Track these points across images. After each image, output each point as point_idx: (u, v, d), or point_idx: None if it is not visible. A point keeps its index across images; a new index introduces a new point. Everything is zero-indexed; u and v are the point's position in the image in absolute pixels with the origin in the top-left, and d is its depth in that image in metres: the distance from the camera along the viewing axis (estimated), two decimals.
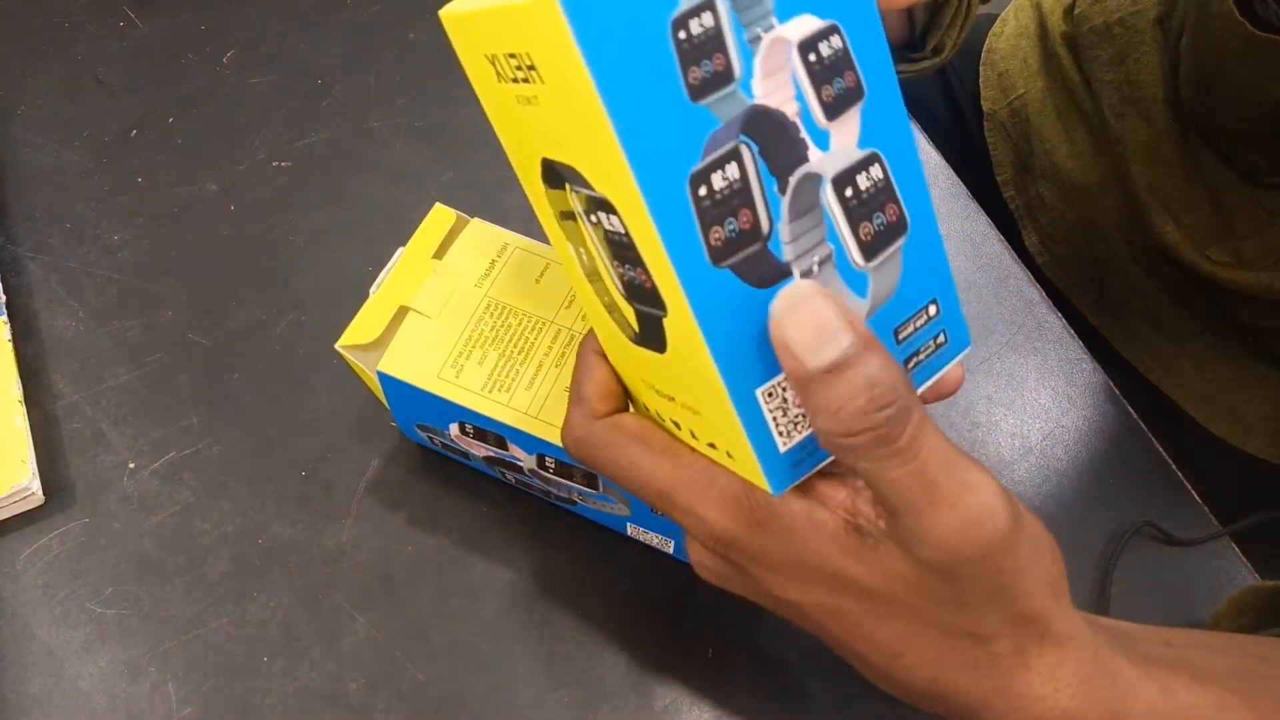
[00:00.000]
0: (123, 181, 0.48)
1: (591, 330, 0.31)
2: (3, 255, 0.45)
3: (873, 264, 0.26)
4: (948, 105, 0.70)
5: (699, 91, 0.23)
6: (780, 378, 0.25)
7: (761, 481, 0.26)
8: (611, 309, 0.29)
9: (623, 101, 0.23)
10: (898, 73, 0.52)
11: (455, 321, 0.36)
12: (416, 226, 0.37)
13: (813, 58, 0.24)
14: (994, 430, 0.45)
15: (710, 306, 0.24)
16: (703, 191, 0.24)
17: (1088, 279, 0.64)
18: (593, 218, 0.26)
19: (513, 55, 0.25)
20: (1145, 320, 0.62)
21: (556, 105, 0.25)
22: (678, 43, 0.23)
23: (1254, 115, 0.51)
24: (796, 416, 0.26)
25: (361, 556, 0.39)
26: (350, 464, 0.41)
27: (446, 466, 0.41)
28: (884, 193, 0.26)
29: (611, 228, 0.26)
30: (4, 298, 0.43)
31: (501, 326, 0.36)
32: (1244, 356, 0.59)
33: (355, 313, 0.36)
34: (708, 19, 0.23)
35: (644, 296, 0.26)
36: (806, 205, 0.25)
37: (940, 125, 0.69)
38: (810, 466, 0.27)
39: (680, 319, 0.25)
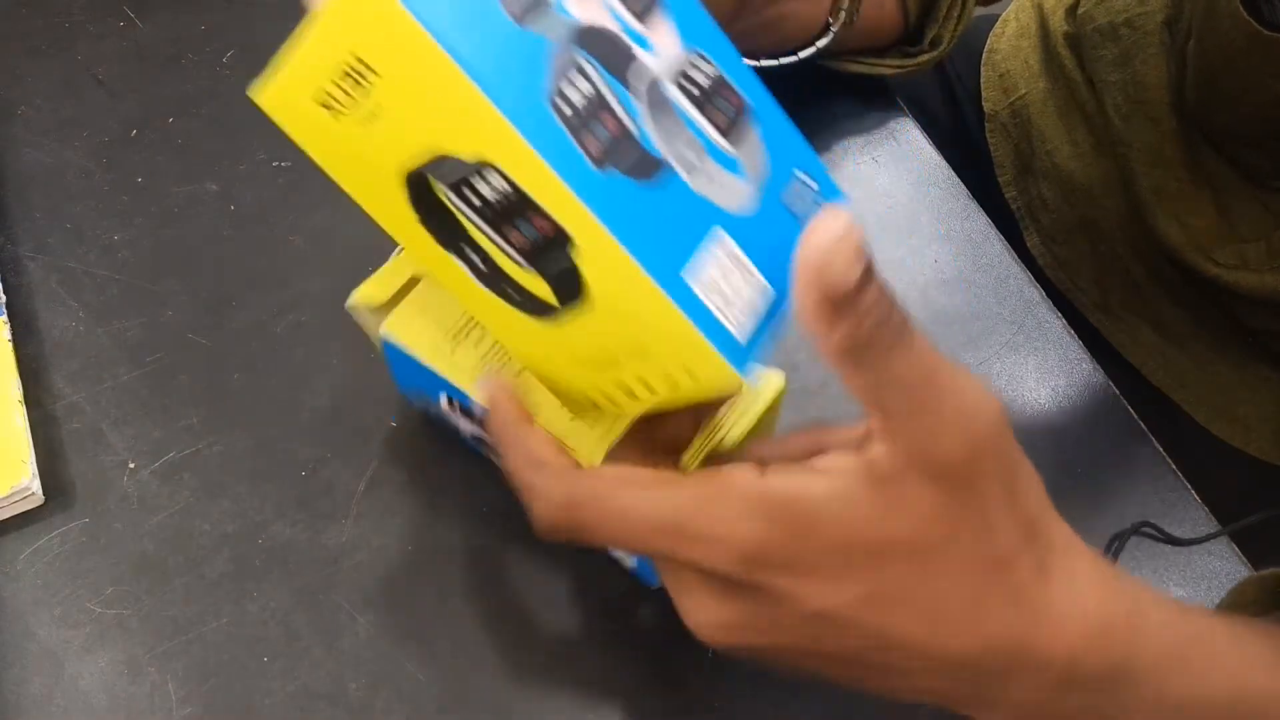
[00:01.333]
0: (123, 181, 0.48)
1: (502, 404, 0.30)
2: (3, 255, 0.45)
3: (737, 146, 0.28)
4: (948, 106, 0.70)
5: (522, 17, 0.25)
6: (698, 259, 0.26)
7: (730, 377, 0.26)
8: (523, 303, 0.29)
9: (459, 41, 0.24)
10: (896, 68, 0.52)
11: None
12: None
13: None
14: None
15: (610, 206, 0.25)
16: (565, 108, 0.25)
17: (1089, 280, 0.64)
18: (473, 199, 0.27)
19: (346, 73, 0.27)
20: (1146, 321, 0.62)
21: (401, 91, 0.26)
22: None
23: (1257, 116, 0.51)
24: (734, 299, 0.27)
25: (361, 556, 0.39)
26: (350, 464, 0.41)
27: (447, 466, 0.41)
28: (721, 82, 0.28)
29: (493, 191, 0.26)
30: (4, 298, 0.43)
31: None
32: (1245, 358, 0.59)
33: None
34: None
35: (547, 247, 0.27)
36: (659, 103, 0.27)
37: (941, 126, 0.69)
38: (765, 344, 0.28)
39: (587, 234, 0.26)
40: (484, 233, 0.28)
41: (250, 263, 0.46)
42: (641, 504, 0.26)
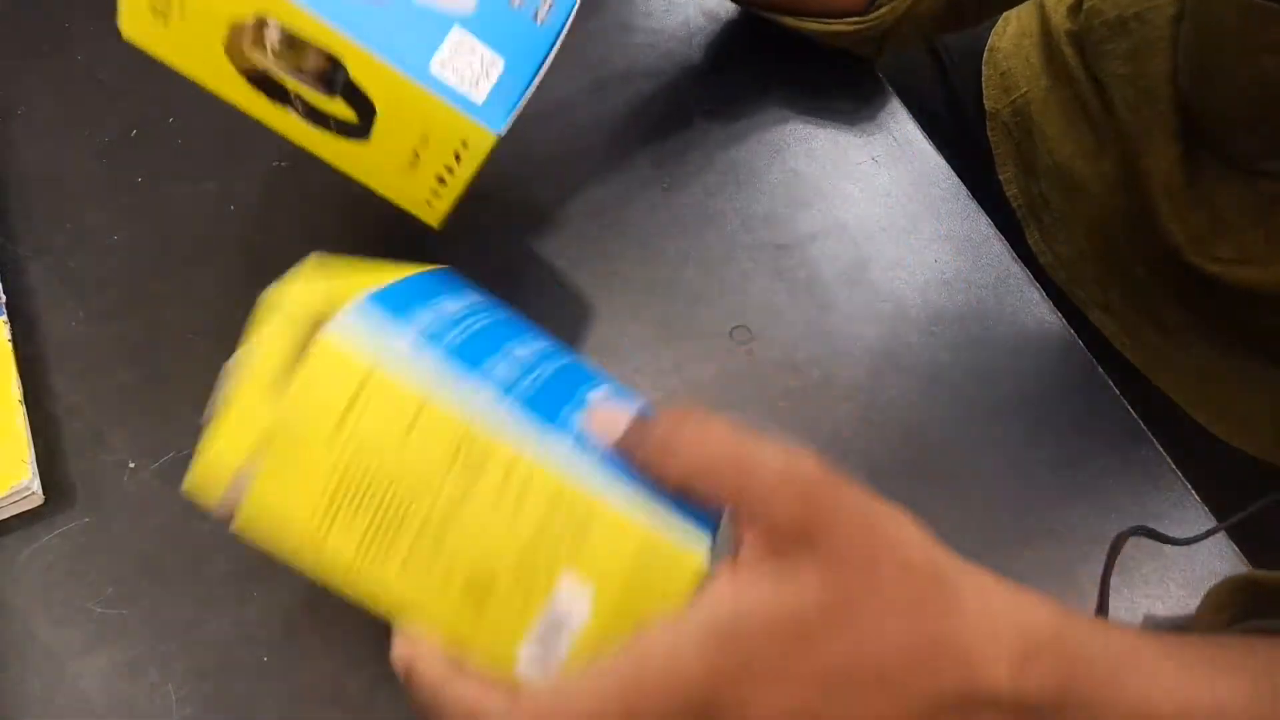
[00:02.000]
0: (123, 181, 0.48)
1: (424, 667, 0.27)
2: (3, 255, 0.45)
3: None
4: (949, 105, 0.70)
5: None
6: (441, 53, 0.34)
7: (481, 133, 0.34)
8: (339, 126, 0.36)
9: None
10: (845, 28, 0.53)
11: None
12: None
13: None
14: (992, 430, 0.45)
15: (357, 25, 0.33)
16: None
17: (1090, 278, 0.63)
18: (267, 48, 0.34)
19: None
20: (1147, 320, 0.62)
21: None
22: None
23: (1248, 95, 0.50)
24: (474, 78, 0.34)
25: None
26: None
27: None
28: None
29: (275, 40, 0.34)
30: (4, 298, 0.43)
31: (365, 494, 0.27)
32: (1246, 358, 0.59)
33: None
34: None
35: (331, 73, 0.34)
36: None
37: (942, 125, 0.68)
38: (513, 104, 0.35)
39: (350, 55, 0.33)
40: (287, 77, 0.35)
41: (250, 263, 0.46)
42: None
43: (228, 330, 0.45)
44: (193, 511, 0.40)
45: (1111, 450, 0.44)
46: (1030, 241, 0.65)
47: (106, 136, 0.49)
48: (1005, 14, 0.68)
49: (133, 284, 0.45)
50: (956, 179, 0.52)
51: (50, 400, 0.42)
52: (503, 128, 0.34)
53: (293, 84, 0.35)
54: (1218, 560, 0.42)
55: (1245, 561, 0.42)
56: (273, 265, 0.47)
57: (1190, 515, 0.43)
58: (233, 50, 0.35)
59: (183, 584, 0.39)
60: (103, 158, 0.49)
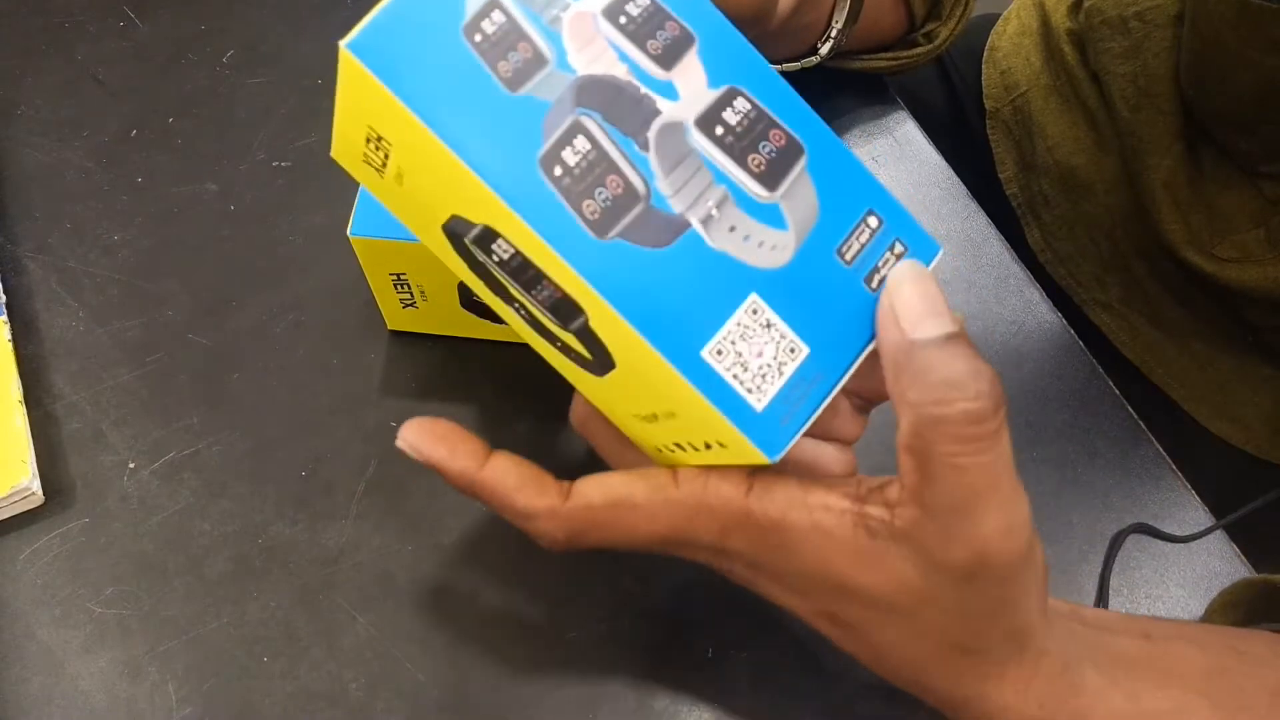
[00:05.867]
0: (123, 181, 0.48)
1: (460, 458, 0.30)
2: (3, 255, 0.46)
3: (779, 192, 0.26)
4: (950, 104, 0.70)
5: (515, 82, 0.24)
6: (724, 332, 0.25)
7: (755, 454, 0.25)
8: (566, 350, 0.29)
9: (443, 116, 0.24)
10: (891, 61, 0.52)
11: None
12: None
13: (623, 20, 0.25)
14: None
15: (614, 279, 0.24)
16: (558, 171, 0.24)
17: (1089, 276, 0.64)
18: (493, 256, 0.27)
19: (368, 139, 0.27)
20: (1146, 318, 0.62)
21: (410, 160, 0.26)
22: (476, 45, 0.24)
23: (1247, 96, 0.50)
24: (762, 369, 0.25)
25: (361, 556, 0.40)
26: (350, 464, 0.41)
27: None
28: (761, 121, 0.26)
29: (506, 254, 0.26)
30: (4, 298, 0.43)
31: None
32: (1245, 356, 0.59)
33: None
34: (498, 16, 0.24)
35: (567, 310, 0.26)
36: (678, 155, 0.25)
37: (942, 123, 0.69)
38: (802, 419, 0.25)
39: (595, 307, 0.25)
40: (515, 288, 0.28)
41: (250, 263, 0.46)
42: (639, 526, 0.28)
43: (228, 330, 0.45)
44: (193, 511, 0.40)
45: (1110, 449, 0.44)
46: (1030, 240, 0.65)
47: (106, 136, 0.49)
48: (1005, 13, 0.68)
49: (133, 284, 0.45)
50: (956, 178, 0.52)
51: (50, 400, 0.42)
52: (779, 455, 0.25)
53: (518, 293, 0.28)
54: (1217, 558, 0.42)
55: (1244, 559, 0.42)
56: (273, 266, 0.47)
57: (1189, 513, 0.43)
58: (451, 234, 0.28)
59: (183, 584, 0.39)
60: (103, 158, 0.49)
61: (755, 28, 0.38)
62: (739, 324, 0.25)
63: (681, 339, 0.24)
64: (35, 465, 0.39)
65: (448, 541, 0.40)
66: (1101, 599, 0.41)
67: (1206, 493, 0.43)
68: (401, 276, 0.39)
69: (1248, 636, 0.33)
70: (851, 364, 0.26)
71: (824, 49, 0.47)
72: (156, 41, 0.53)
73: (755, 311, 0.25)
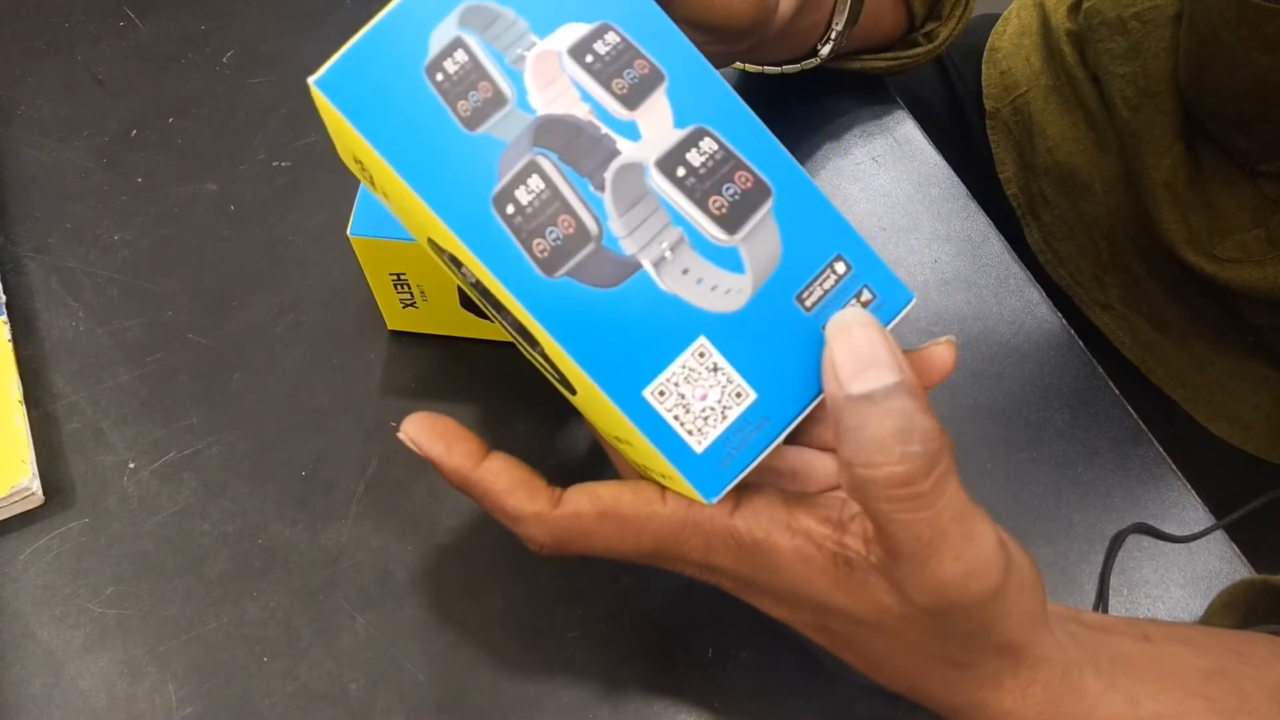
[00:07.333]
0: (123, 181, 0.48)
1: (456, 456, 0.30)
2: (3, 255, 0.46)
3: (739, 235, 0.25)
4: (949, 104, 0.70)
5: (473, 121, 0.24)
6: (667, 374, 0.25)
7: (692, 492, 0.26)
8: (542, 367, 0.29)
9: (403, 153, 0.24)
10: (891, 61, 0.52)
11: None
12: None
13: (589, 59, 0.25)
14: (992, 430, 0.45)
15: (561, 317, 0.25)
16: (510, 209, 0.24)
17: (1089, 276, 0.64)
18: (466, 279, 0.27)
19: (354, 160, 0.28)
20: (1146, 318, 0.62)
21: (385, 187, 0.27)
22: (437, 84, 0.24)
23: (1244, 95, 0.51)
24: (705, 412, 0.25)
25: (361, 556, 0.40)
26: (350, 464, 0.41)
27: None
28: (727, 162, 0.26)
29: (469, 278, 0.27)
30: (4, 298, 0.43)
31: None
32: (1245, 356, 0.59)
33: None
34: (460, 56, 0.24)
35: (528, 337, 0.27)
36: (634, 196, 0.25)
37: (942, 124, 0.69)
38: (743, 464, 0.26)
39: (544, 340, 0.25)
40: (487, 308, 0.29)
41: (250, 263, 0.46)
42: (625, 539, 0.29)
43: (228, 330, 0.45)
44: (193, 511, 0.40)
45: (1111, 449, 0.44)
46: (1030, 240, 0.65)
47: (106, 136, 0.49)
48: (1005, 14, 0.68)
49: (133, 284, 0.45)
50: (956, 179, 0.52)
51: (50, 400, 0.42)
52: (716, 497, 0.26)
53: (492, 312, 0.29)
54: (1217, 558, 0.42)
55: (1244, 559, 0.42)
56: (273, 266, 0.47)
57: (1189, 513, 0.43)
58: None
59: (183, 584, 0.39)
60: (103, 158, 0.49)
61: (755, 35, 0.38)
62: (684, 366, 0.25)
63: (624, 378, 0.25)
64: (35, 465, 0.39)
65: (448, 541, 0.40)
66: (1101, 599, 0.41)
67: (1206, 493, 0.43)
68: (401, 276, 0.39)
69: (1248, 638, 0.33)
70: (801, 412, 0.26)
71: (824, 50, 0.47)
72: (156, 41, 0.53)
73: (702, 355, 0.25)
